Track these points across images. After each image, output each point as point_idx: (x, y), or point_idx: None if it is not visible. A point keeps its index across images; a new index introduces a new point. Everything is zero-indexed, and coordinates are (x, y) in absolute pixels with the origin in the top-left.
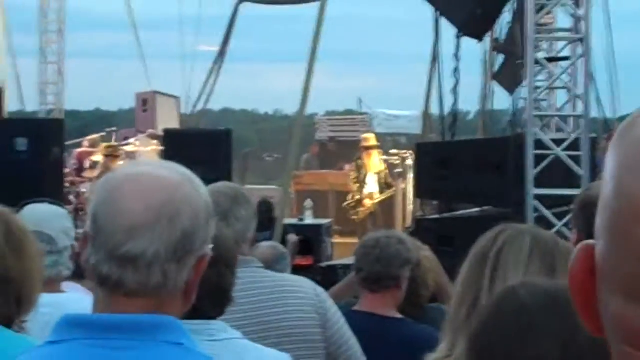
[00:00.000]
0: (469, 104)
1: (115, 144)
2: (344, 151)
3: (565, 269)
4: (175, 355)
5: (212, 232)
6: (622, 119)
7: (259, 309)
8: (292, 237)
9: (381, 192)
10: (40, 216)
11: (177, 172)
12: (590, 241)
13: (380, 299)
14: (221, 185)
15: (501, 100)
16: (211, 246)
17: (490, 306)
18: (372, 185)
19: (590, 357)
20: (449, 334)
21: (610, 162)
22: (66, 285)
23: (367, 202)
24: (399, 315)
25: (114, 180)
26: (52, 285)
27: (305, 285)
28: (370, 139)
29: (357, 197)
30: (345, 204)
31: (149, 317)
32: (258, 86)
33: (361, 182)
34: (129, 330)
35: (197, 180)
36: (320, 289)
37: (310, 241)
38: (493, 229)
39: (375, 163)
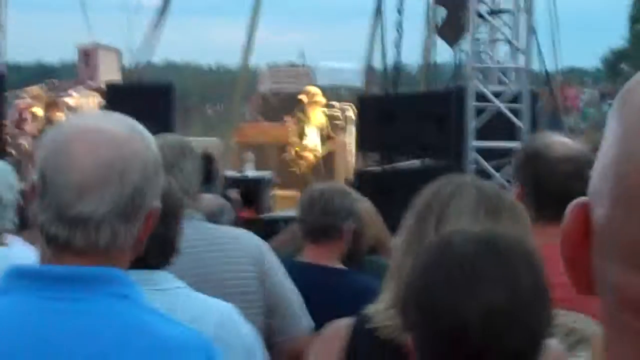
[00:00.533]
0: (412, 58)
1: (54, 95)
2: (286, 104)
3: (509, 221)
4: (120, 307)
5: (161, 186)
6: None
7: (197, 260)
8: (233, 193)
9: (322, 144)
10: None
11: (126, 126)
12: (585, 199)
13: (323, 250)
14: (167, 137)
15: (444, 53)
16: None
17: (427, 257)
18: (313, 138)
19: (535, 301)
20: (392, 285)
21: (612, 126)
22: (9, 238)
23: (308, 155)
24: (342, 266)
25: (61, 134)
26: None
27: (245, 237)
28: (317, 94)
29: (298, 149)
30: (286, 156)
31: (95, 269)
32: (201, 39)
33: (302, 134)
34: (76, 282)
35: (146, 134)
36: (260, 241)
37: (251, 193)
38: (437, 181)
39: (316, 116)
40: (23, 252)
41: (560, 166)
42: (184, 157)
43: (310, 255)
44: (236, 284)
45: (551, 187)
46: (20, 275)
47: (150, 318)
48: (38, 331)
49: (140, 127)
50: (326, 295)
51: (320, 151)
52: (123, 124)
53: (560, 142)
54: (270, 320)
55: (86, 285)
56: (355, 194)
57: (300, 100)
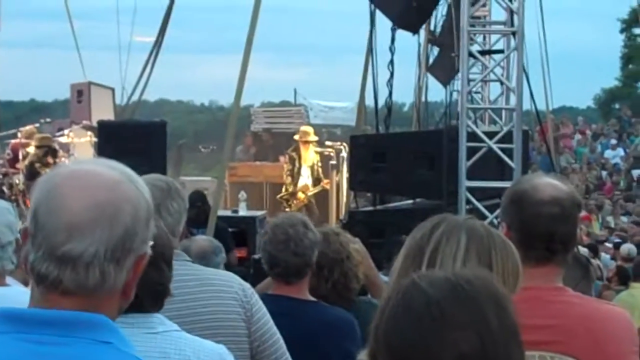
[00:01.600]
0: (404, 96)
1: (48, 135)
2: (279, 143)
3: (501, 263)
4: (102, 354)
5: (152, 231)
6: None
7: (185, 301)
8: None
9: (314, 184)
10: None
11: (118, 170)
12: None
13: (296, 287)
14: (154, 177)
15: (435, 92)
16: (151, 244)
17: (396, 300)
18: (305, 178)
19: (506, 343)
20: None
21: None
22: (9, 278)
23: (301, 195)
24: (313, 298)
25: (55, 177)
26: None
27: (232, 280)
28: (310, 133)
29: (291, 189)
30: (278, 196)
31: (79, 314)
32: (194, 77)
33: (294, 174)
34: (59, 326)
35: (138, 178)
36: (246, 285)
37: (244, 233)
38: (429, 220)
39: (309, 156)
40: (22, 293)
41: (545, 208)
42: (170, 198)
43: (282, 291)
44: (223, 326)
45: (537, 229)
46: (7, 318)
47: None
48: None
49: (132, 172)
50: (298, 326)
51: (312, 191)
52: (115, 168)
53: (546, 184)
54: None
55: (69, 329)
56: (344, 235)
57: (295, 140)
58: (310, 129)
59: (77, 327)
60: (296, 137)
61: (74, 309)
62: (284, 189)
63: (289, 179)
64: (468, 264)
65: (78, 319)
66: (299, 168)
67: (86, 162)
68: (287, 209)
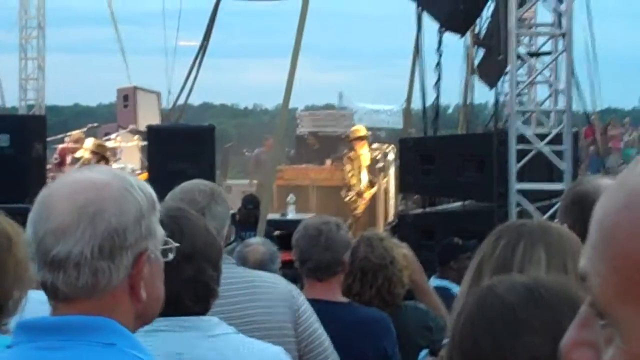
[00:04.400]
0: (449, 98)
1: (104, 142)
2: (325, 146)
3: (574, 269)
4: (104, 355)
5: (151, 228)
6: (602, 112)
7: (233, 303)
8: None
9: (371, 185)
10: None
11: (108, 174)
12: None
13: (328, 286)
14: (197, 182)
15: (481, 94)
16: (175, 244)
17: (471, 305)
18: (365, 179)
19: None
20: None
21: None
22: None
23: (367, 195)
24: (346, 299)
25: (47, 189)
26: None
27: (279, 282)
28: (361, 130)
29: (357, 189)
30: (346, 199)
31: (82, 318)
32: (238, 81)
33: (358, 174)
34: (64, 331)
35: (131, 180)
36: (293, 286)
37: (292, 236)
38: (502, 233)
39: (366, 155)
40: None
41: None
42: (214, 202)
43: (315, 292)
44: (271, 327)
45: None
46: (19, 328)
47: None
48: None
49: (127, 175)
50: (334, 329)
51: (373, 191)
52: (107, 173)
53: (608, 184)
54: None
55: (74, 334)
56: (391, 240)
57: (349, 140)
58: (361, 126)
59: (81, 331)
60: (350, 134)
61: (78, 314)
62: (344, 192)
63: (354, 179)
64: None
65: (81, 323)
66: (359, 167)
67: (82, 170)
68: (356, 212)
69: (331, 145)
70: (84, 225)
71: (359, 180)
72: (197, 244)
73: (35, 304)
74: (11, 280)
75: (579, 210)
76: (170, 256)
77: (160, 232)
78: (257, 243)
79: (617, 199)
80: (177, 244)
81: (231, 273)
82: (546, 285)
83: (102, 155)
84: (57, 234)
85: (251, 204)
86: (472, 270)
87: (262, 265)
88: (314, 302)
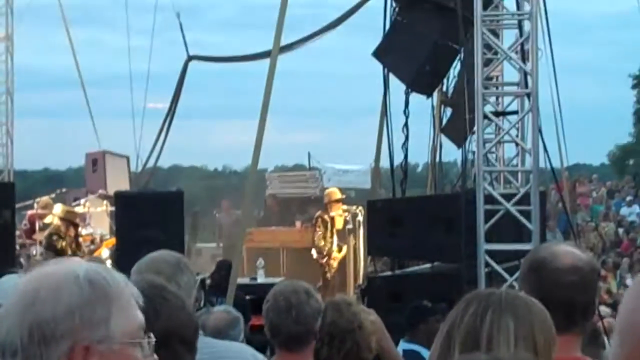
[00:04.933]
0: (417, 156)
1: (73, 208)
2: (294, 207)
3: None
4: None
5: (94, 320)
6: (570, 168)
7: None
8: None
9: (338, 249)
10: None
11: (66, 266)
12: None
13: (299, 356)
14: (164, 252)
15: (449, 152)
16: (148, 339)
17: None
18: (335, 242)
19: None
20: None
21: None
22: None
23: (337, 256)
24: None
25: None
26: None
27: (245, 352)
28: (336, 193)
29: (327, 251)
30: (318, 260)
31: None
32: (207, 142)
33: (330, 237)
34: None
35: (92, 272)
36: (260, 356)
37: (262, 300)
38: (470, 302)
39: (340, 219)
40: None
41: (565, 277)
42: (180, 272)
43: None
44: None
45: (556, 297)
46: None
47: None
48: None
49: (80, 267)
50: None
51: (340, 255)
52: (66, 264)
53: (566, 252)
54: None
55: None
56: (359, 306)
57: (311, 203)
58: (335, 189)
59: None
60: (326, 197)
61: None
62: (314, 253)
63: (322, 242)
64: (518, 348)
65: None
66: (332, 230)
67: (57, 261)
68: (328, 274)
69: (300, 206)
70: (16, 312)
71: (331, 243)
72: (171, 327)
73: None
74: None
75: (536, 278)
76: (148, 351)
77: (124, 323)
78: (220, 311)
79: None
80: (149, 339)
81: (201, 345)
82: None
83: (71, 222)
84: (1, 320)
85: (224, 270)
86: (441, 338)
87: (220, 331)
88: None
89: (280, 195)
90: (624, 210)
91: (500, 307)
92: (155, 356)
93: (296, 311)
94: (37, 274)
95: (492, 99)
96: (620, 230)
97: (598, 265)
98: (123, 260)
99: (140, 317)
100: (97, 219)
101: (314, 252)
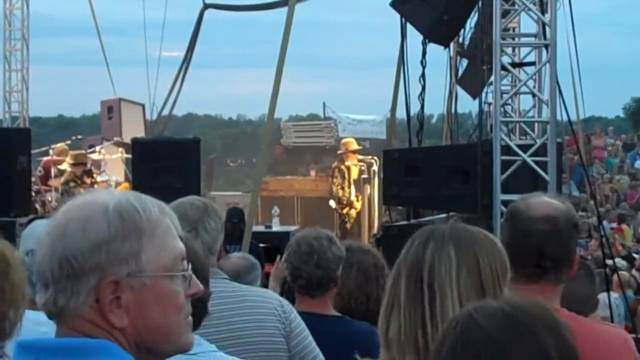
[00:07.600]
0: (434, 107)
1: (83, 152)
2: (310, 157)
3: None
4: None
5: (121, 254)
6: (585, 120)
7: (224, 317)
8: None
9: (356, 198)
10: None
11: (101, 196)
12: None
13: (320, 301)
14: (192, 197)
15: (465, 103)
16: (185, 272)
17: (452, 337)
18: (353, 191)
19: None
20: (395, 350)
21: None
22: None
23: (357, 205)
24: (338, 314)
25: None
26: None
27: (270, 296)
28: (353, 143)
29: (347, 201)
30: (341, 210)
31: (79, 340)
32: (221, 91)
33: (348, 187)
34: (61, 353)
35: (119, 206)
36: (284, 301)
37: (278, 248)
38: (417, 237)
39: (355, 168)
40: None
41: (535, 225)
42: (208, 217)
43: (307, 306)
44: (263, 341)
45: (525, 246)
46: (23, 348)
47: None
48: None
49: (113, 198)
50: (326, 343)
51: (359, 206)
52: (101, 194)
53: (540, 202)
54: None
55: (70, 356)
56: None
57: (340, 152)
58: (352, 139)
59: (79, 354)
60: (341, 146)
61: (61, 334)
62: (332, 203)
63: (341, 192)
64: (461, 275)
65: (80, 345)
66: (349, 180)
67: (93, 191)
68: (347, 224)
69: (315, 155)
70: (46, 247)
71: (349, 192)
72: (191, 262)
73: (32, 325)
74: (7, 303)
75: (509, 227)
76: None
77: (158, 255)
78: (237, 257)
79: None
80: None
81: (223, 288)
82: (524, 308)
83: (84, 166)
84: (35, 254)
85: (235, 218)
86: (393, 270)
87: (239, 275)
88: (306, 316)
89: (294, 144)
90: (639, 164)
91: (444, 237)
92: (201, 286)
93: (317, 256)
94: (71, 205)
95: (509, 50)
96: (635, 183)
97: (576, 216)
98: None
99: (180, 246)
100: (112, 166)
101: (332, 202)
